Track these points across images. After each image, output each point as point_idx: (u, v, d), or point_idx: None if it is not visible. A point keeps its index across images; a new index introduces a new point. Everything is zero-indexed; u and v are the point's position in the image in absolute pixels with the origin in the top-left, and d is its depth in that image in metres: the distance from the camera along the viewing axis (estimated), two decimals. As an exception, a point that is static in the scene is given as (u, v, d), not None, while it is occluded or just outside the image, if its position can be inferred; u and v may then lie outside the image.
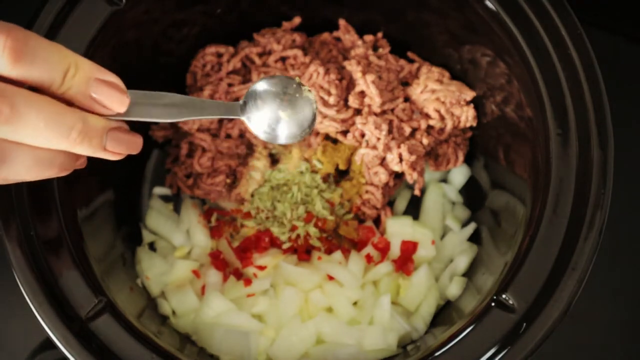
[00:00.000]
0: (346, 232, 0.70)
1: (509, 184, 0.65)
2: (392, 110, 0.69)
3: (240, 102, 0.48)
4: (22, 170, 0.42)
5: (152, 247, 0.72)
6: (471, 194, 0.74)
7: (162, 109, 0.46)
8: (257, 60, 0.71)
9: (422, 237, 0.69)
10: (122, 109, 0.44)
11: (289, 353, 0.62)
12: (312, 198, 0.70)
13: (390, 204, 0.74)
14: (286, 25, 0.72)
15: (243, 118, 0.47)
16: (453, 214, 0.73)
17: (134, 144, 0.46)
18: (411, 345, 0.64)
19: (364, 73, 0.67)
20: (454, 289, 0.68)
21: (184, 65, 0.72)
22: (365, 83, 0.67)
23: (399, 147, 0.67)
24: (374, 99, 0.67)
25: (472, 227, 0.72)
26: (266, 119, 0.47)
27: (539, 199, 0.55)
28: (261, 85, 0.47)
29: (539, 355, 0.52)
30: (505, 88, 0.63)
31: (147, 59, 0.68)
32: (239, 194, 0.71)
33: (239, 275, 0.68)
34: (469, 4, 0.59)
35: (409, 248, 0.68)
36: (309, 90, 0.48)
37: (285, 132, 0.47)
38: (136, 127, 0.72)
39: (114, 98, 0.43)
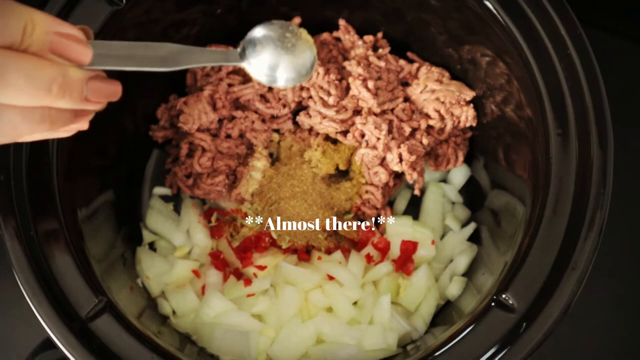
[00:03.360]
0: (346, 232, 0.70)
1: (509, 184, 0.65)
2: (392, 110, 0.69)
3: (239, 49, 0.47)
4: (11, 130, 0.42)
5: (152, 247, 0.72)
6: (471, 194, 0.74)
7: (157, 59, 0.45)
8: (257, 60, 0.71)
9: (422, 237, 0.69)
10: (85, 60, 0.43)
11: (289, 353, 0.62)
12: (313, 198, 0.70)
13: (390, 204, 0.74)
14: (286, 25, 0.72)
15: (243, 64, 0.47)
16: (453, 214, 0.73)
17: (113, 92, 0.47)
18: (411, 345, 0.64)
19: (355, 77, 0.67)
20: (454, 289, 0.68)
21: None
22: (356, 87, 0.67)
23: (398, 147, 0.67)
24: (367, 101, 0.67)
25: (472, 227, 0.72)
26: (266, 63, 0.46)
27: (539, 199, 0.55)
28: (259, 31, 0.47)
29: (539, 355, 0.52)
30: (505, 88, 0.63)
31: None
32: (239, 194, 0.71)
33: (239, 275, 0.68)
34: (469, 4, 0.59)
35: (409, 248, 0.68)
36: (308, 33, 0.47)
37: (285, 75, 0.47)
38: (136, 126, 0.72)
39: (75, 50, 0.43)
